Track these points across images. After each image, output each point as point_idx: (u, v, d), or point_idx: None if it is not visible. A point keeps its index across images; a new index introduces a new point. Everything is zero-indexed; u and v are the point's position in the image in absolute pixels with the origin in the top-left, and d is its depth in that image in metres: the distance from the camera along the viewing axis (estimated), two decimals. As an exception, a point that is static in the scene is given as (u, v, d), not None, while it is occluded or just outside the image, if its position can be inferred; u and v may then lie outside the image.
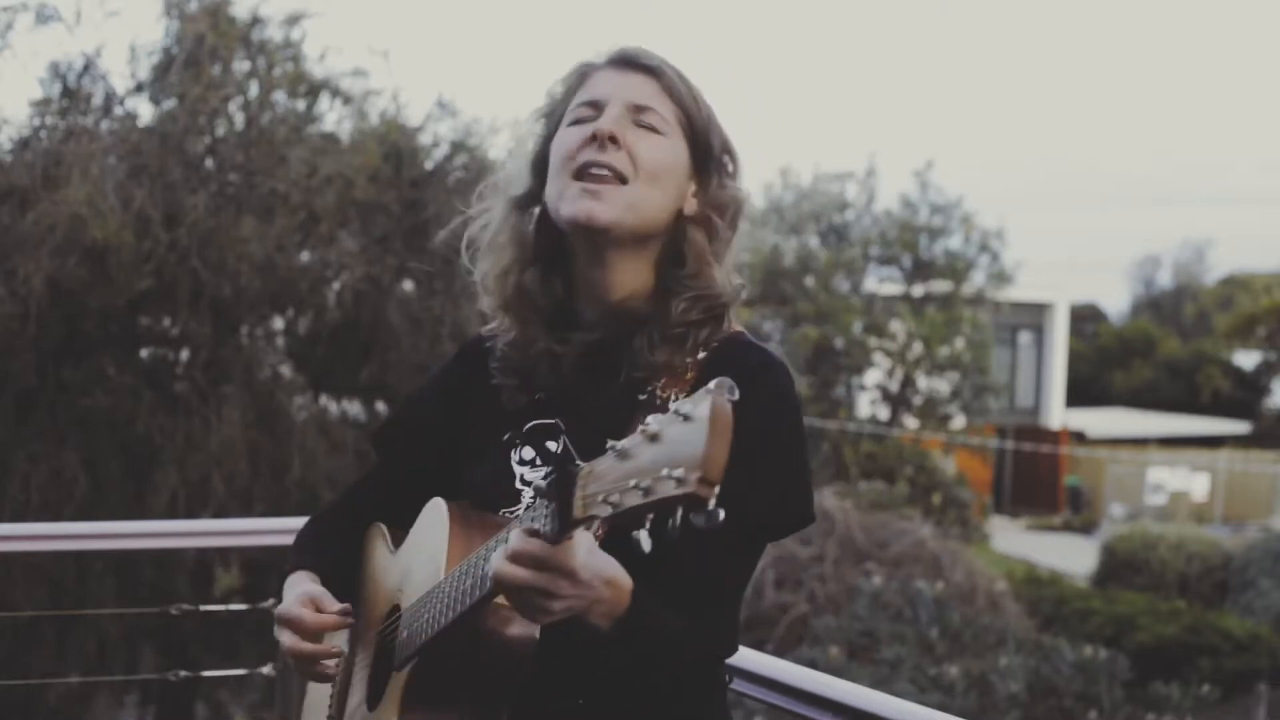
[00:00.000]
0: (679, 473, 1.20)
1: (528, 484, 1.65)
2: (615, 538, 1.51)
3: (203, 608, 3.36)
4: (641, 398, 1.60)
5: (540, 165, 1.70)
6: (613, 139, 1.62)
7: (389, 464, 1.86)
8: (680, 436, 1.22)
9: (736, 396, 1.23)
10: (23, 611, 8.06)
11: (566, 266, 1.70)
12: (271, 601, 3.07)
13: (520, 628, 1.52)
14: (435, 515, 1.64)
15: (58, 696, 8.70)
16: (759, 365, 1.61)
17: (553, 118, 1.71)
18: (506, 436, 1.69)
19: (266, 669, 3.06)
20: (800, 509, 1.61)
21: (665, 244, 1.65)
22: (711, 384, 1.24)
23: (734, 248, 1.70)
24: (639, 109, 1.64)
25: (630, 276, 1.65)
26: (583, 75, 1.70)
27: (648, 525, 1.24)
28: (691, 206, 1.66)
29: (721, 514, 1.22)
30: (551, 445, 1.65)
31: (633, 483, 1.22)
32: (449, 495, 1.65)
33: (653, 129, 1.64)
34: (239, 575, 9.70)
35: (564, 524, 1.31)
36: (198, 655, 8.71)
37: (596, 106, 1.66)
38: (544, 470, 1.59)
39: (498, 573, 1.36)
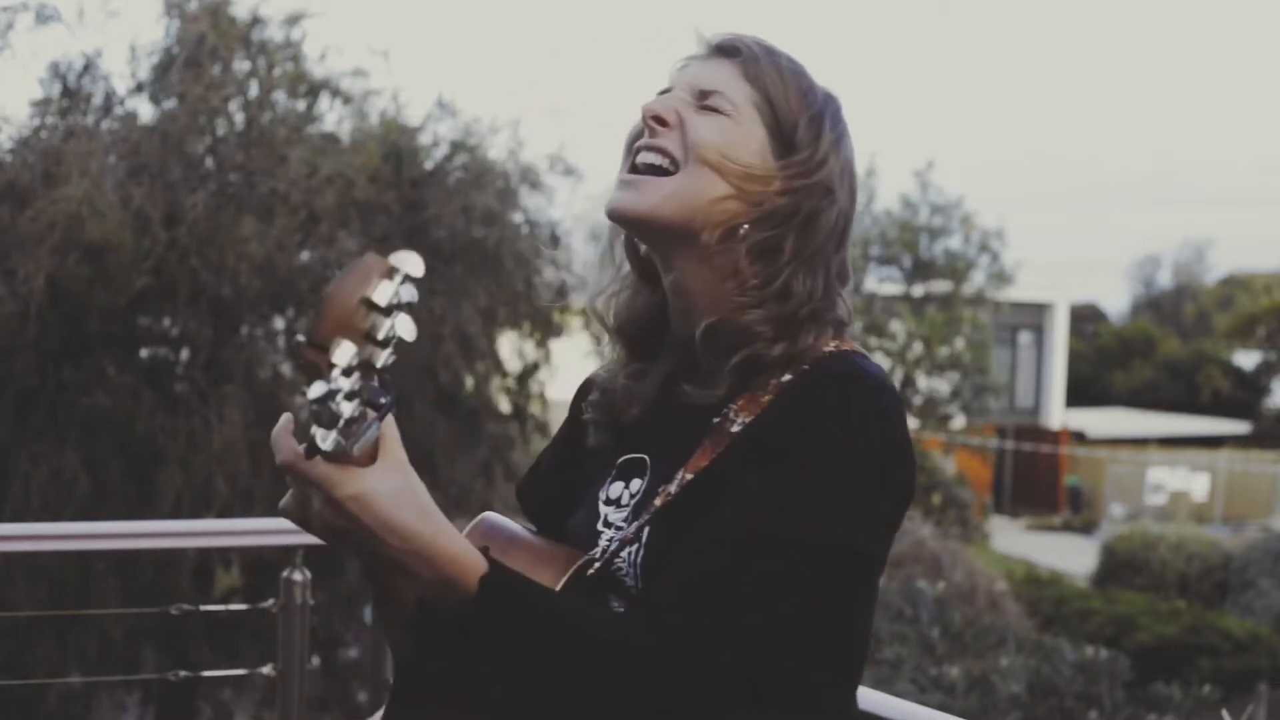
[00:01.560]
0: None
1: (609, 525, 1.48)
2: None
3: (203, 608, 3.37)
4: (715, 420, 1.42)
5: None
6: (659, 119, 1.45)
7: (531, 518, 1.70)
8: None
9: (399, 269, 1.11)
10: (23, 611, 8.06)
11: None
12: (272, 601, 3.07)
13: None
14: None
15: (58, 696, 8.70)
16: (838, 375, 1.38)
17: None
18: (601, 474, 1.54)
19: (266, 669, 3.06)
20: (830, 531, 1.31)
21: (746, 249, 1.43)
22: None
23: (826, 250, 1.44)
24: (704, 93, 1.45)
25: (704, 288, 1.45)
26: (680, 69, 1.53)
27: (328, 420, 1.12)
28: (772, 202, 1.43)
29: (339, 405, 1.09)
30: (638, 482, 1.48)
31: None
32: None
33: (717, 111, 1.44)
34: (239, 575, 9.70)
35: (310, 445, 1.17)
36: (199, 655, 8.70)
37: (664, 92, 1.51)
38: (625, 511, 1.47)
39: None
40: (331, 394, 1.10)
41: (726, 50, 1.48)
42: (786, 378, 1.40)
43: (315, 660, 9.09)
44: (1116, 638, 13.54)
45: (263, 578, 8.40)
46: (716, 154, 1.42)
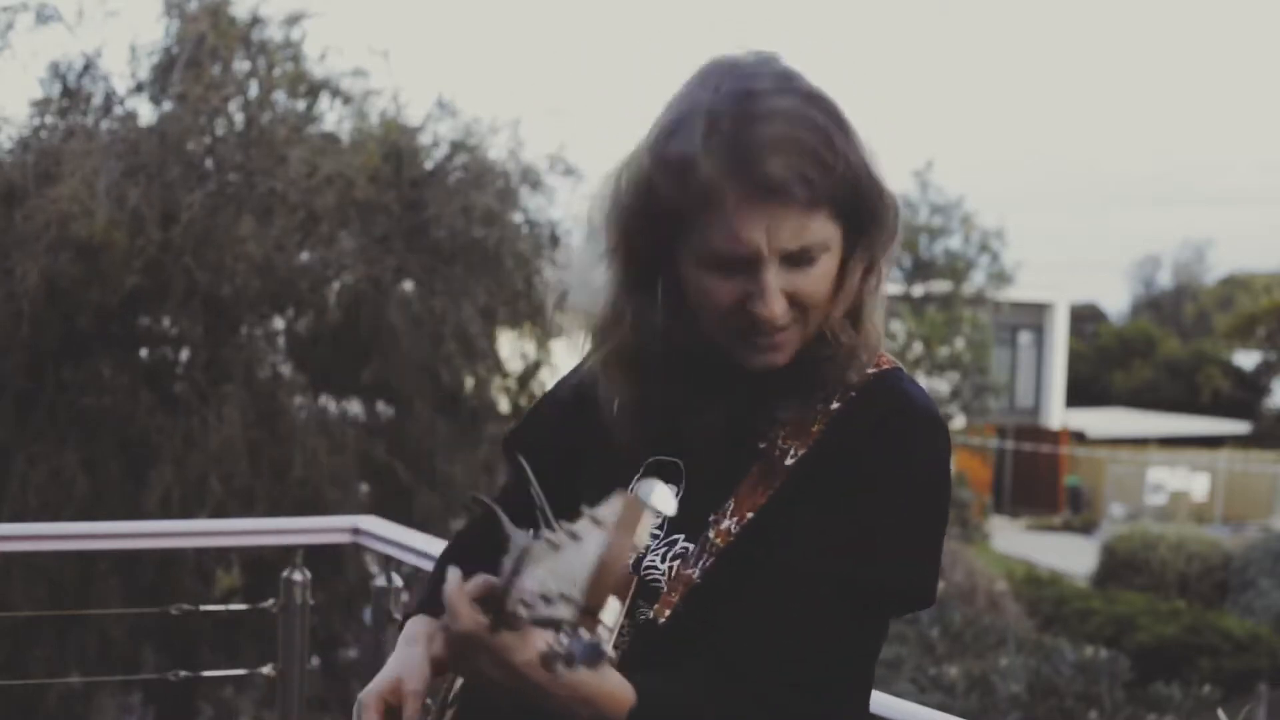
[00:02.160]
0: (573, 593, 1.09)
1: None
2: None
3: (203, 608, 3.36)
4: (762, 446, 1.41)
5: (647, 264, 1.42)
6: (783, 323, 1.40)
7: (518, 474, 1.57)
8: (583, 548, 1.10)
9: (660, 513, 1.12)
10: (22, 611, 8.07)
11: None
12: (272, 601, 3.06)
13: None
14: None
15: (58, 696, 8.70)
16: (891, 411, 1.40)
17: (660, 220, 1.38)
18: (626, 470, 1.49)
19: (267, 669, 3.06)
20: (902, 581, 1.38)
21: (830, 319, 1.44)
22: (635, 488, 1.15)
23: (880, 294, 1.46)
24: (793, 256, 1.36)
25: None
26: (708, 195, 1.34)
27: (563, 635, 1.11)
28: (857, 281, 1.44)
29: (606, 650, 1.10)
30: (672, 488, 1.43)
31: (543, 591, 1.10)
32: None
33: (810, 260, 1.37)
34: (240, 575, 9.70)
35: (497, 617, 1.17)
36: (199, 655, 8.71)
37: (742, 260, 1.36)
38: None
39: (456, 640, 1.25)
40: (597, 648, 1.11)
41: (795, 194, 1.34)
42: (835, 405, 1.41)
43: (315, 660, 9.09)
44: (1116, 638, 13.56)
45: (263, 578, 8.39)
46: (826, 302, 1.40)
